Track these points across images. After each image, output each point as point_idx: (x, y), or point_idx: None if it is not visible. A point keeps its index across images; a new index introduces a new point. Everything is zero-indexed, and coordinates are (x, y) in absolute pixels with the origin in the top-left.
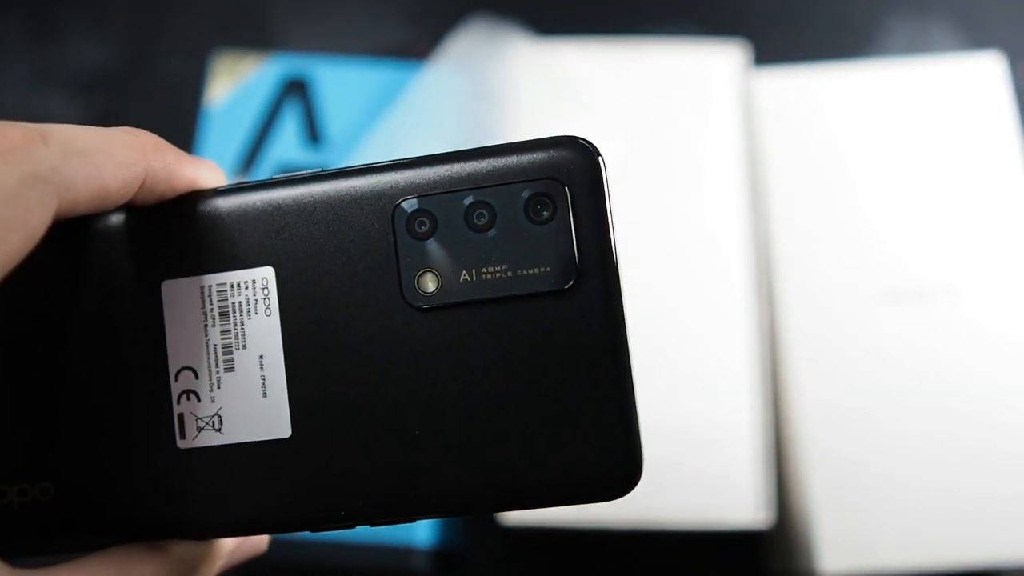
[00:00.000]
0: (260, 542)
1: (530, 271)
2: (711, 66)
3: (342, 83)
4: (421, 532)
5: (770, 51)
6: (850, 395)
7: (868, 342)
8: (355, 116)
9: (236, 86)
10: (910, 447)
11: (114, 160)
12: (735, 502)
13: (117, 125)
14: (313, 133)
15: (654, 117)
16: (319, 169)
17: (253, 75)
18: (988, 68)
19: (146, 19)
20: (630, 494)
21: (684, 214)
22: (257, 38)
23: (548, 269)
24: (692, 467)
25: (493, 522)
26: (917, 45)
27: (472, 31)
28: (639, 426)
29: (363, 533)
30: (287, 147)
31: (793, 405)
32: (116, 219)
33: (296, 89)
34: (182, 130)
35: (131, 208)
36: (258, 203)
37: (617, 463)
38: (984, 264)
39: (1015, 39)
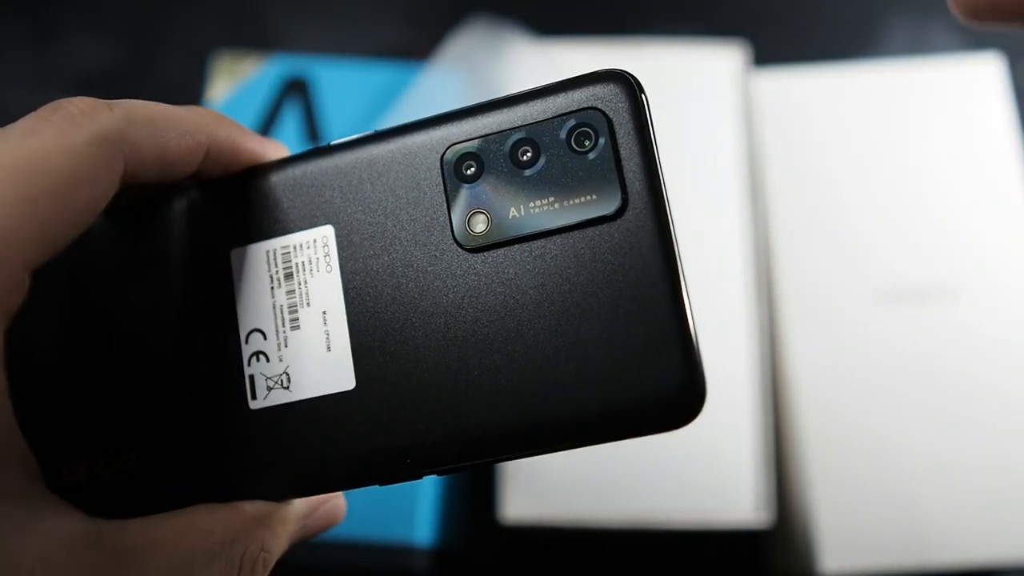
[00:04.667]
0: (336, 512)
1: (577, 200)
2: (711, 66)
3: (342, 83)
4: (421, 532)
5: (770, 51)
6: (850, 395)
7: (868, 342)
8: (355, 116)
9: (236, 86)
10: (910, 447)
11: (177, 127)
12: (735, 502)
13: None
14: (313, 133)
15: (654, 117)
16: (372, 131)
17: (253, 75)
18: (988, 68)
19: (146, 19)
20: (629, 494)
21: (684, 214)
22: (257, 38)
23: (595, 196)
24: (692, 467)
25: (493, 522)
26: (917, 45)
27: (472, 31)
28: (699, 346)
29: (363, 533)
30: (287, 147)
31: (793, 405)
32: (185, 193)
33: (296, 89)
34: None
35: (199, 182)
36: (316, 168)
37: (680, 384)
38: (984, 265)
39: (1015, 39)
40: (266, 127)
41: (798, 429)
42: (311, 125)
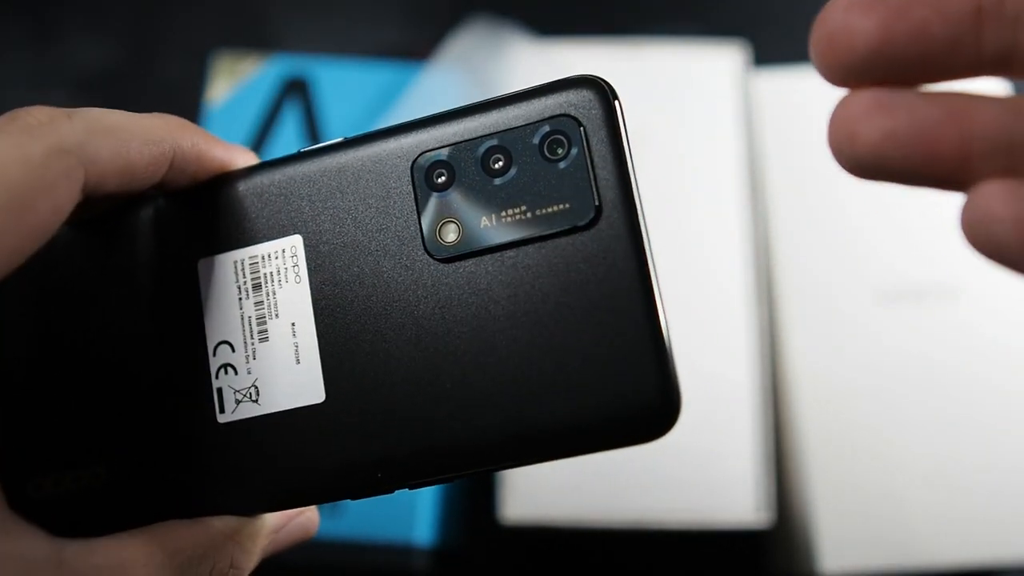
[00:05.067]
0: (308, 526)
1: (549, 209)
2: (711, 66)
3: (342, 83)
4: (421, 532)
5: (770, 51)
6: (850, 395)
7: (868, 342)
8: (355, 116)
9: (236, 86)
10: (910, 447)
11: (139, 137)
12: (735, 502)
13: None
14: (313, 133)
15: (654, 117)
16: (342, 138)
17: (253, 75)
18: None
19: (146, 19)
20: (629, 494)
21: (683, 214)
22: (257, 38)
23: (568, 206)
24: (692, 467)
25: (493, 522)
26: None
27: (472, 31)
28: (673, 357)
29: (363, 533)
30: (287, 147)
31: (793, 405)
32: (151, 203)
33: (296, 89)
34: None
35: (165, 192)
36: (285, 176)
37: (654, 396)
38: (984, 265)
39: None
40: (266, 127)
41: (798, 429)
42: (311, 125)
